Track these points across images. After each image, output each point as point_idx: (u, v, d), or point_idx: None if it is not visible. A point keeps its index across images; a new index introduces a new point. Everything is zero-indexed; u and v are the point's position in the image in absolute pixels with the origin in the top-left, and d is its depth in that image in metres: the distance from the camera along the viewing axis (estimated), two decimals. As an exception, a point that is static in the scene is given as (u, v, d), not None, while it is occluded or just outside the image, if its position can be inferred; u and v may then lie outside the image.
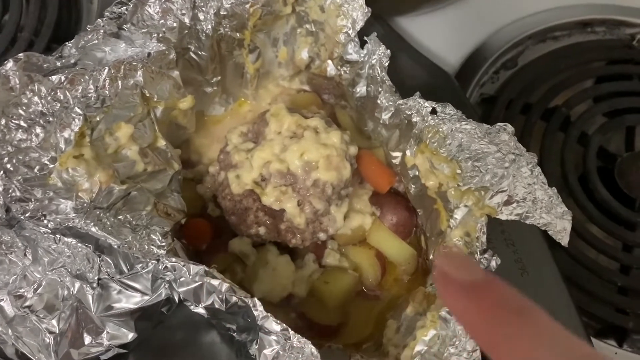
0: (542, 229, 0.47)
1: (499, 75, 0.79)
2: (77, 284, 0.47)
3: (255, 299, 0.45)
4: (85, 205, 0.47)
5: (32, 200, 0.46)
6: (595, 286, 0.65)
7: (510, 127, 0.50)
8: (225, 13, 0.59)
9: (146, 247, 0.48)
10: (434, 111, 0.52)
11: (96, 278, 0.48)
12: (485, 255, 0.46)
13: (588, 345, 0.31)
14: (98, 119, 0.50)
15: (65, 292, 0.47)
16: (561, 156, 0.71)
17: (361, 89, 0.61)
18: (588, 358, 0.27)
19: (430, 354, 0.44)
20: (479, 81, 0.77)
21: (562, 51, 0.80)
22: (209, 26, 0.58)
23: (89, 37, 0.53)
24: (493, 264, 0.46)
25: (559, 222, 0.46)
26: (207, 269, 0.47)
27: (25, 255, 0.47)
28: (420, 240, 0.60)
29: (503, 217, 0.47)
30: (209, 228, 0.60)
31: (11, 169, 0.46)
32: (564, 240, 0.46)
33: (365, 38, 0.60)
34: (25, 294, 0.47)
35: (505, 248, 0.54)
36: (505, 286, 0.29)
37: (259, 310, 0.45)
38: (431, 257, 0.55)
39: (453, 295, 0.30)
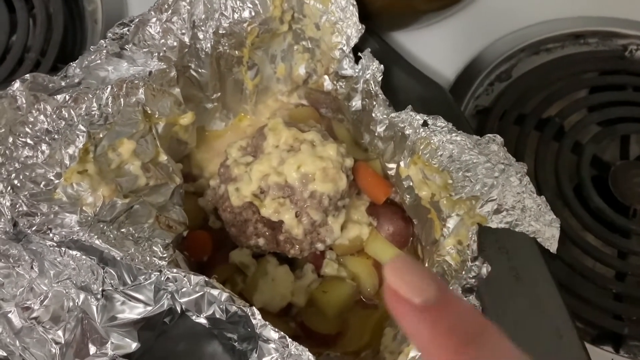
0: (531, 236, 0.48)
1: (494, 87, 0.81)
2: (82, 296, 0.48)
3: (254, 308, 0.46)
4: (89, 218, 0.49)
5: (39, 214, 0.48)
6: (592, 293, 0.66)
7: (499, 138, 0.51)
8: (224, 32, 0.61)
9: (148, 258, 0.49)
10: (425, 123, 0.53)
11: (100, 289, 0.49)
12: (477, 263, 0.48)
13: None
14: (101, 135, 0.52)
15: (71, 304, 0.49)
16: (555, 165, 0.73)
17: (356, 103, 0.63)
18: None
19: (424, 360, 0.45)
20: (474, 93, 0.78)
21: (555, 63, 0.81)
22: (209, 45, 0.60)
23: (93, 57, 0.55)
24: (484, 271, 0.47)
25: (547, 230, 0.48)
26: (207, 279, 0.48)
27: (32, 268, 0.49)
28: (416, 249, 0.62)
29: (493, 225, 0.49)
30: (210, 240, 0.62)
31: (18, 184, 0.48)
32: (553, 247, 0.47)
33: (359, 54, 0.62)
34: (32, 305, 0.48)
35: (499, 256, 0.55)
36: (463, 305, 0.27)
37: (257, 319, 0.46)
38: (426, 265, 0.56)
39: (404, 317, 0.26)
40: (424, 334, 0.26)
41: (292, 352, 0.45)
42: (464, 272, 0.48)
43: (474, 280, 0.48)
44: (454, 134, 0.52)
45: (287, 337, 0.45)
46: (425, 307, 0.26)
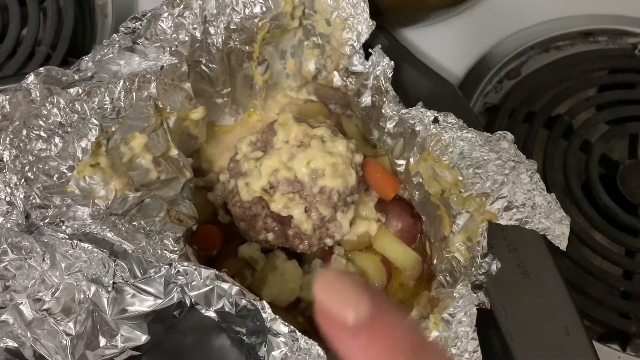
0: (541, 233, 0.48)
1: (503, 85, 0.81)
2: (93, 288, 0.49)
3: (264, 302, 0.47)
4: (101, 211, 0.49)
5: (51, 207, 0.48)
6: (599, 291, 0.66)
7: (510, 135, 0.51)
8: (235, 27, 0.61)
9: (159, 251, 0.49)
10: (436, 120, 0.54)
11: (111, 282, 0.49)
12: (486, 259, 0.48)
13: None
14: (113, 129, 0.52)
15: (82, 296, 0.49)
16: (564, 164, 0.73)
17: (366, 99, 0.63)
18: None
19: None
20: (483, 91, 0.78)
21: (564, 61, 0.81)
22: (220, 40, 0.60)
23: (105, 51, 0.55)
24: (494, 267, 0.48)
25: (557, 227, 0.48)
26: (217, 272, 0.48)
27: (43, 260, 0.49)
28: (425, 245, 0.62)
29: (503, 222, 0.49)
30: (219, 234, 0.62)
31: (32, 177, 0.48)
32: (562, 244, 0.47)
33: (370, 50, 0.62)
34: (44, 297, 0.49)
35: (507, 253, 0.55)
36: (398, 320, 0.24)
37: (267, 312, 0.46)
38: (435, 262, 0.57)
39: (338, 340, 0.24)
40: (360, 356, 0.24)
41: (302, 346, 0.45)
42: (473, 269, 0.48)
43: (483, 277, 0.48)
44: (464, 131, 0.52)
45: (297, 331, 0.45)
46: (359, 327, 0.24)
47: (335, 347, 0.24)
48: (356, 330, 0.24)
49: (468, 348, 0.45)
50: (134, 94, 0.53)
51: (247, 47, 0.63)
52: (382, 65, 0.59)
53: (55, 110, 0.49)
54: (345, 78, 0.65)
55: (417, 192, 0.58)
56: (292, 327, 0.46)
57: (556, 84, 0.79)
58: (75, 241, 0.49)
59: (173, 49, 0.57)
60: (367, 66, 0.62)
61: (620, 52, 0.83)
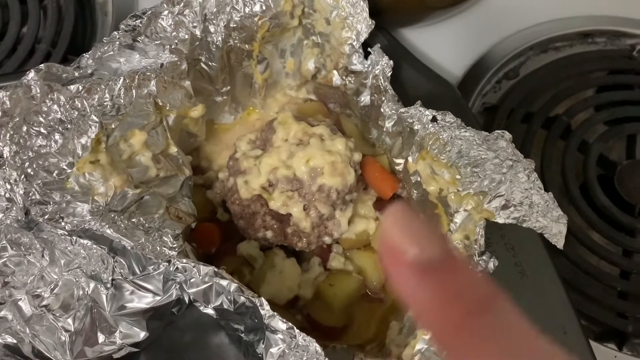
0: (539, 232, 0.48)
1: (501, 85, 0.81)
2: (92, 284, 0.49)
3: (262, 299, 0.47)
4: (100, 208, 0.49)
5: (51, 203, 0.49)
6: (596, 291, 0.66)
7: (507, 134, 0.52)
8: (235, 25, 0.61)
9: (158, 248, 0.50)
10: (434, 119, 0.54)
11: (110, 279, 0.49)
12: (484, 257, 0.48)
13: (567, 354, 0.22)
14: (113, 126, 0.52)
15: (81, 292, 0.49)
16: (562, 164, 0.73)
17: (365, 98, 0.63)
18: None
19: (430, 352, 0.46)
20: (482, 91, 0.79)
21: (563, 61, 0.82)
22: (219, 38, 0.61)
23: (105, 48, 0.55)
24: (491, 265, 0.48)
25: (554, 226, 0.48)
26: (216, 269, 0.48)
27: (43, 256, 0.49)
28: (422, 244, 0.62)
29: (501, 220, 0.49)
30: (218, 232, 0.62)
31: (31, 173, 0.48)
32: (560, 243, 0.48)
33: (369, 49, 0.62)
34: (43, 293, 0.49)
35: (505, 252, 0.55)
36: (470, 270, 0.23)
37: (265, 309, 0.47)
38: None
39: (401, 278, 0.22)
40: (424, 300, 0.22)
41: (300, 343, 0.46)
42: (471, 267, 0.48)
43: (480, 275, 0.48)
44: (462, 130, 0.52)
45: (295, 328, 0.46)
46: (426, 268, 0.22)
47: (395, 283, 0.22)
48: (424, 271, 0.22)
49: (465, 345, 0.45)
50: (133, 91, 0.53)
51: (246, 46, 0.63)
52: (381, 64, 0.60)
53: (55, 106, 0.49)
54: (344, 77, 0.65)
55: (415, 191, 0.58)
56: (290, 324, 0.46)
57: (555, 84, 0.79)
58: (74, 237, 0.49)
59: (173, 46, 0.57)
60: (366, 65, 0.62)
61: (619, 53, 0.83)
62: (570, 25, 0.83)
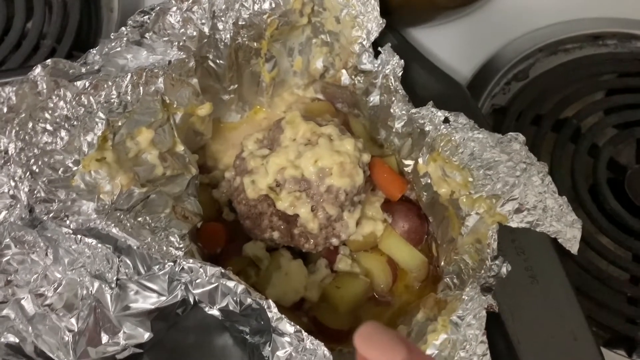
0: (552, 236, 0.48)
1: (511, 87, 0.80)
2: (96, 284, 0.48)
3: (270, 301, 0.46)
4: (106, 207, 0.49)
5: (56, 201, 0.48)
6: (605, 296, 0.65)
7: (521, 137, 0.51)
8: (243, 23, 0.60)
9: (165, 248, 0.49)
10: (446, 120, 0.53)
11: (115, 278, 0.49)
12: (496, 262, 0.47)
13: None
14: (120, 123, 0.51)
15: (85, 292, 0.49)
16: (571, 167, 0.72)
17: (374, 98, 0.63)
18: None
19: (441, 358, 0.45)
20: (491, 92, 0.78)
21: (573, 63, 0.81)
22: (228, 36, 0.60)
23: (112, 44, 0.54)
24: (504, 270, 0.47)
25: (569, 231, 0.47)
26: (223, 270, 0.48)
27: (46, 255, 0.49)
28: (431, 247, 0.61)
29: (514, 224, 0.48)
30: (224, 232, 0.62)
31: (37, 170, 0.48)
32: (574, 248, 0.47)
33: (379, 48, 0.61)
34: (46, 292, 0.48)
35: (515, 256, 0.55)
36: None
37: (273, 311, 0.46)
38: (442, 263, 0.56)
39: None
40: None
41: (307, 347, 0.45)
42: (482, 271, 0.47)
43: (492, 279, 0.47)
44: (475, 132, 0.51)
45: (303, 331, 0.45)
46: None
47: None
48: None
49: (477, 351, 0.44)
50: (141, 88, 0.52)
51: (255, 44, 0.63)
52: (392, 64, 0.59)
53: (61, 103, 0.49)
54: (353, 77, 0.64)
55: (425, 193, 0.58)
56: (298, 327, 0.45)
57: (564, 86, 0.78)
58: (79, 236, 0.48)
59: (181, 43, 0.57)
60: (376, 65, 0.61)
61: (630, 56, 0.82)
62: (581, 27, 0.82)
